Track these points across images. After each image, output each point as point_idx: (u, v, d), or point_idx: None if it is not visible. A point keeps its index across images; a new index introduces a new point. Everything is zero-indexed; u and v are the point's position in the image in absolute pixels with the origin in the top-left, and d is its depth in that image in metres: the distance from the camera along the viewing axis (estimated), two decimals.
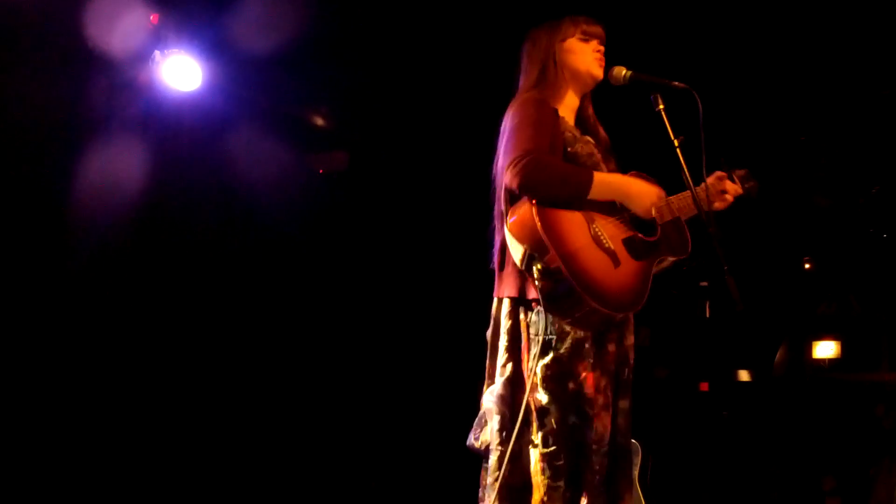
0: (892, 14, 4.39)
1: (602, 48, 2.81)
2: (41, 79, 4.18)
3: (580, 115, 2.87)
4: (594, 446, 2.52)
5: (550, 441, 2.51)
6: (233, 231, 5.23)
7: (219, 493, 4.89)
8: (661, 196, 2.67)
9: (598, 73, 2.80)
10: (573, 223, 2.50)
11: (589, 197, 2.54)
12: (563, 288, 2.41)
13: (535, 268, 2.42)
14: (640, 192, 2.64)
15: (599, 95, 2.90)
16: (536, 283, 2.42)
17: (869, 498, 5.40)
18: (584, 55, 2.78)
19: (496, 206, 2.72)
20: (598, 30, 2.82)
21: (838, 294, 7.34)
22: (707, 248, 2.64)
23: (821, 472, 6.33)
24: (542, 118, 2.62)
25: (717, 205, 2.94)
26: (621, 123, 3.05)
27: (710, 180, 2.93)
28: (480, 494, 2.65)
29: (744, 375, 7.13)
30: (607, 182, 2.61)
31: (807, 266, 7.30)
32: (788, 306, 7.25)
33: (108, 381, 4.55)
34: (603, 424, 2.54)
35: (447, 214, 5.39)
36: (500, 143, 2.70)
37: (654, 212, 2.63)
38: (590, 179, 2.55)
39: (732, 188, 2.97)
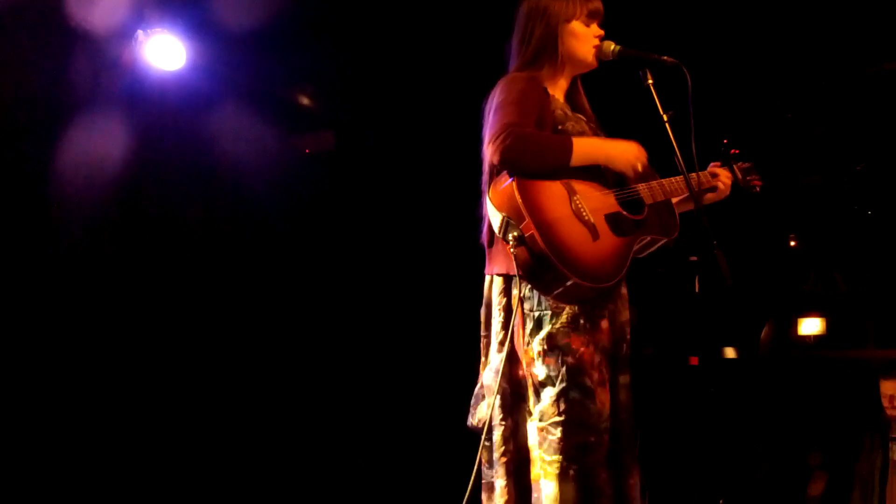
0: None
1: (602, 32, 2.78)
2: (23, 58, 4.14)
3: (570, 94, 2.86)
4: (592, 421, 2.53)
5: (547, 416, 2.52)
6: (218, 212, 5.21)
7: (202, 482, 4.87)
8: (643, 154, 2.69)
9: (594, 62, 2.79)
10: (553, 195, 2.51)
11: (572, 164, 2.55)
12: (537, 258, 2.42)
13: (510, 235, 2.44)
14: (622, 149, 2.66)
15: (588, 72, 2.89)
16: (512, 250, 2.43)
17: (853, 473, 5.46)
18: (586, 42, 2.75)
19: (484, 183, 2.71)
20: (599, 5, 2.78)
21: (823, 271, 7.38)
22: (696, 223, 2.65)
23: (807, 447, 6.38)
24: (529, 94, 2.62)
25: (710, 196, 2.96)
26: (610, 99, 3.04)
27: (704, 171, 2.95)
28: (484, 472, 2.65)
29: (730, 352, 7.17)
30: (588, 145, 2.62)
31: (792, 243, 7.33)
32: (774, 284, 7.29)
33: (88, 366, 4.53)
34: (601, 400, 2.54)
35: (436, 193, 5.38)
36: (486, 120, 2.70)
37: (639, 167, 2.66)
38: (570, 146, 2.55)
39: (724, 174, 2.99)
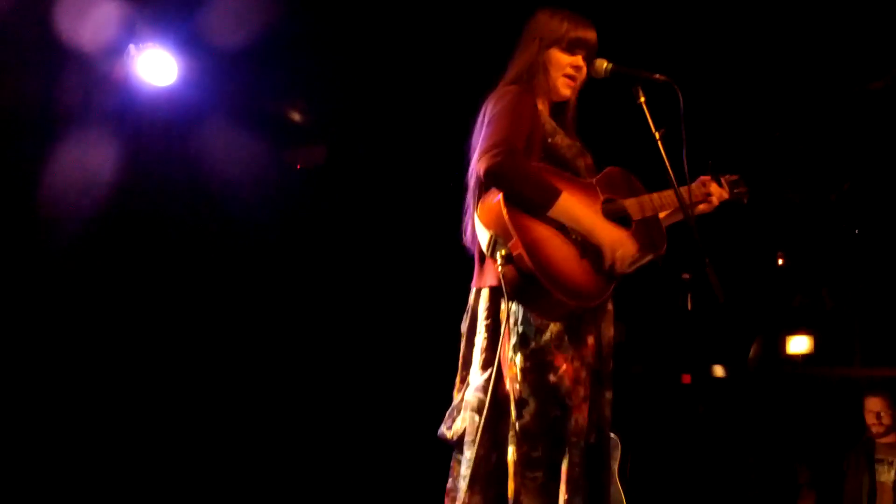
0: (861, 14, 4.45)
1: (583, 64, 2.77)
2: (14, 73, 4.13)
3: (554, 111, 2.87)
4: (573, 439, 2.52)
5: (527, 432, 2.51)
6: (209, 227, 5.19)
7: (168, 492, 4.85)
8: (629, 254, 2.57)
9: (565, 94, 2.79)
10: None
11: (549, 214, 2.49)
12: (525, 276, 2.41)
13: (498, 253, 2.44)
14: (609, 237, 2.54)
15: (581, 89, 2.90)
16: (499, 268, 2.43)
17: (842, 490, 5.48)
18: (557, 72, 2.76)
19: (470, 197, 2.71)
20: (589, 36, 2.77)
21: (811, 289, 7.42)
22: (688, 240, 2.66)
23: (796, 464, 6.40)
24: (522, 109, 2.62)
25: (702, 207, 2.97)
26: (603, 117, 3.05)
27: (694, 184, 2.96)
28: (450, 485, 2.63)
29: (718, 370, 7.18)
30: (572, 213, 2.52)
31: (780, 261, 7.37)
32: (762, 301, 7.32)
33: (72, 377, 4.50)
34: (583, 417, 2.54)
35: (426, 207, 5.38)
36: (476, 134, 2.70)
37: (617, 264, 2.54)
38: (556, 195, 2.49)
39: (718, 191, 3.01)
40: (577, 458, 2.52)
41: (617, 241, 2.55)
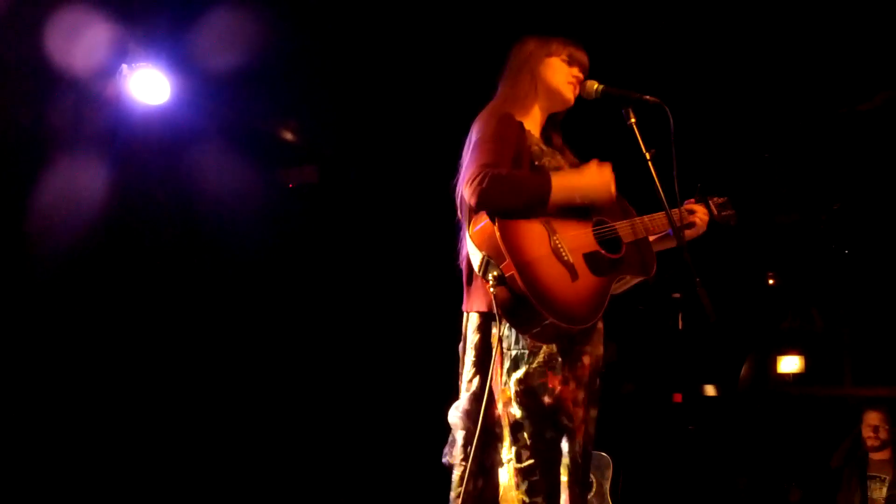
0: (849, 36, 4.49)
1: (581, 76, 2.81)
2: (6, 93, 4.13)
3: (546, 130, 2.88)
4: (578, 461, 2.52)
5: (524, 456, 2.49)
6: (201, 245, 5.19)
7: None
8: (611, 175, 2.63)
9: (570, 97, 2.80)
10: (533, 234, 2.49)
11: (551, 202, 2.52)
12: (517, 298, 2.40)
13: (490, 275, 2.42)
14: (593, 182, 2.59)
15: (571, 110, 2.92)
16: (491, 289, 2.41)
17: None
18: (561, 75, 2.78)
19: (460, 219, 2.71)
20: (583, 58, 2.81)
21: (802, 309, 7.45)
22: (678, 260, 2.66)
23: (787, 483, 6.40)
24: (506, 132, 2.61)
25: (688, 232, 2.93)
26: (593, 138, 3.07)
27: (682, 208, 2.96)
28: None
29: (710, 390, 7.20)
30: (565, 182, 2.57)
31: (770, 281, 7.40)
32: (752, 321, 7.34)
33: (64, 402, 4.48)
34: (581, 438, 2.54)
35: (418, 227, 5.39)
36: (465, 154, 2.70)
37: (612, 190, 2.60)
38: (548, 183, 2.52)
39: (701, 210, 3.00)
40: (581, 478, 2.52)
41: (605, 184, 2.60)
